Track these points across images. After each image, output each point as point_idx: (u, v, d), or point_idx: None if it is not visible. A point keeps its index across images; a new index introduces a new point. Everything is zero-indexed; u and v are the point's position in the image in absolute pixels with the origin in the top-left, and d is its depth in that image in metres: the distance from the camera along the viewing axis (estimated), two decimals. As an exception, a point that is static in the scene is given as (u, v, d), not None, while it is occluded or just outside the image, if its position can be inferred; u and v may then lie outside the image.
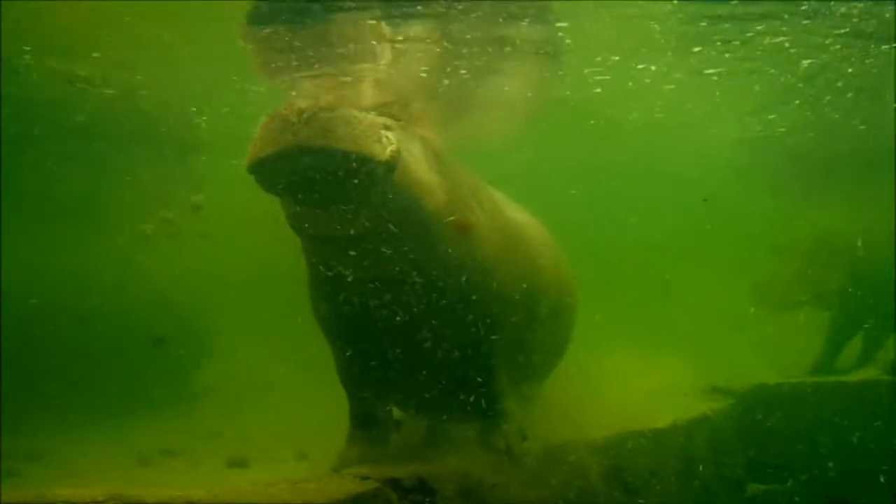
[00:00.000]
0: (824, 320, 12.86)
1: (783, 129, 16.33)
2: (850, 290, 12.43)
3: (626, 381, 9.30)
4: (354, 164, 5.92)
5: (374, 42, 9.13)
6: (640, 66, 11.57)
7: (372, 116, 6.25)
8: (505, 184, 8.19)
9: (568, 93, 12.75)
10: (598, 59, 11.09)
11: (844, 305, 12.68)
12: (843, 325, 12.82)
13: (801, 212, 18.05)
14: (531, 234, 8.15)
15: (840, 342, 12.89)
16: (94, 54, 10.22)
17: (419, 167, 6.56)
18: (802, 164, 18.27)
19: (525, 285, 7.41)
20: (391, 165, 6.15)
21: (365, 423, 7.21)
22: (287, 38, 8.93)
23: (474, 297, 6.88)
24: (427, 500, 6.41)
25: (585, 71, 11.53)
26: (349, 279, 6.63)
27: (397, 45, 9.18)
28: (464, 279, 6.82)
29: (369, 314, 6.75)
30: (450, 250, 6.74)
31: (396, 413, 7.59)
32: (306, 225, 6.44)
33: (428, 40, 9.26)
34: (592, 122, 15.18)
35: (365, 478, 6.22)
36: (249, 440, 11.01)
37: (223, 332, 17.17)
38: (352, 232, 6.32)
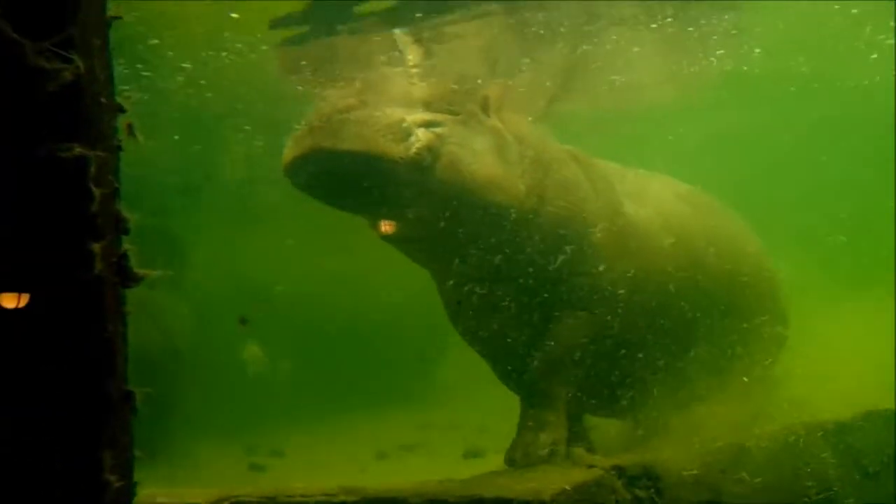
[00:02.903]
0: None
1: None
2: None
3: (856, 362, 8.83)
4: (366, 164, 5.92)
5: (398, 48, 8.98)
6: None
7: (399, 114, 6.14)
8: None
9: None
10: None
11: None
12: None
13: None
14: (682, 223, 7.52)
15: None
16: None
17: (480, 160, 6.32)
18: None
19: (655, 278, 7.05)
20: (418, 162, 6.06)
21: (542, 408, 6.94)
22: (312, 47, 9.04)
23: (579, 292, 6.68)
24: (653, 487, 6.34)
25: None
26: (451, 281, 6.68)
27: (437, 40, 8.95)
28: (564, 272, 6.62)
29: (480, 312, 6.75)
30: (545, 241, 6.57)
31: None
32: (375, 229, 6.54)
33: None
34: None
35: (590, 466, 6.29)
36: (485, 430, 11.26)
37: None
38: (419, 233, 6.38)
